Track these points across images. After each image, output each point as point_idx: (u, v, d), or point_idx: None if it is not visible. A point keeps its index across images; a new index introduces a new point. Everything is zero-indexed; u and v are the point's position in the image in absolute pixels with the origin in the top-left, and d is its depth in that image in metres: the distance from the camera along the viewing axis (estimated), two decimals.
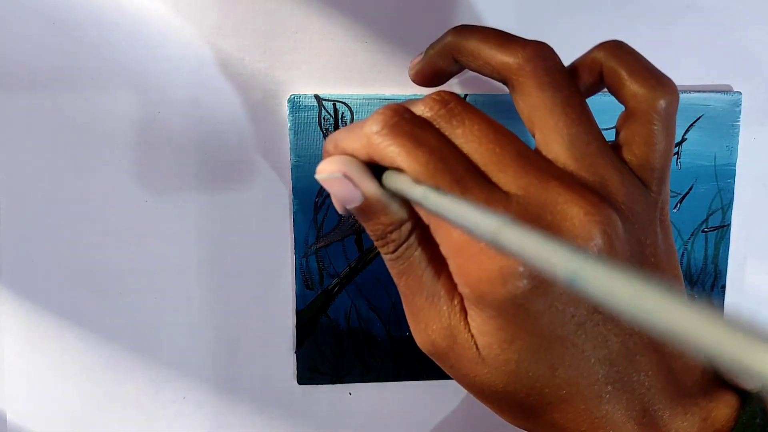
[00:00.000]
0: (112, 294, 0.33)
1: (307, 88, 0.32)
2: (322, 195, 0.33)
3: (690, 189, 0.34)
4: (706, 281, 0.35)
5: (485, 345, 0.21)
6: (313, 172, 0.33)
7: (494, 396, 0.23)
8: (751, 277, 0.36)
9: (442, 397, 0.35)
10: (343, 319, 0.34)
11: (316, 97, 0.32)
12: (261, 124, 0.32)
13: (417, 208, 0.23)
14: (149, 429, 0.34)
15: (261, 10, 0.31)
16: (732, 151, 0.34)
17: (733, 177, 0.34)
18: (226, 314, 0.34)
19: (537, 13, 0.32)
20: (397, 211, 0.23)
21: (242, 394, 0.34)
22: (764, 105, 0.34)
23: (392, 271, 0.24)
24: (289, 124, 0.32)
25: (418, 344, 0.24)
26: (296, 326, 0.34)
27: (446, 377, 0.35)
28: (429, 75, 0.28)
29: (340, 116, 0.32)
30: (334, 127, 0.32)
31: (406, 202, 0.23)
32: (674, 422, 0.22)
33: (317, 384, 0.34)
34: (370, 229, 0.23)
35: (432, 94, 0.23)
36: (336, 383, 0.34)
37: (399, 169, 0.22)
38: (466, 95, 0.32)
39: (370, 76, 0.32)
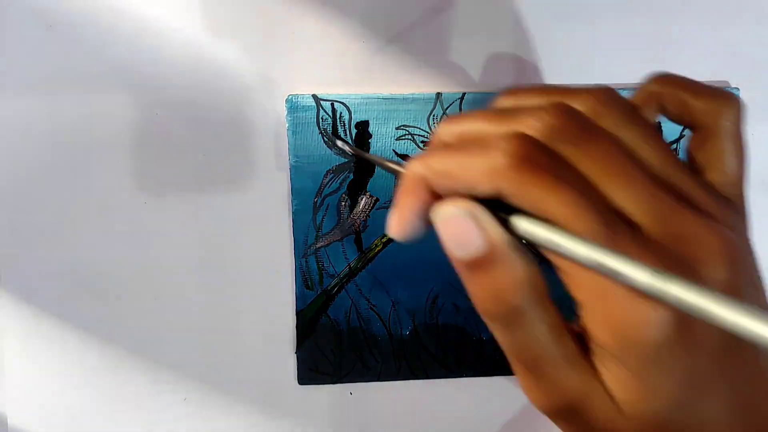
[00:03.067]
0: (112, 296, 0.33)
1: (305, 89, 0.32)
2: (321, 195, 0.33)
3: None
4: None
5: (626, 399, 0.20)
6: (312, 171, 0.34)
7: None
8: None
9: (442, 396, 0.35)
10: (343, 318, 0.34)
11: (314, 97, 0.32)
12: (259, 124, 0.32)
13: (547, 254, 0.20)
14: (150, 430, 0.34)
15: (259, 12, 0.31)
16: None
17: None
18: (227, 315, 0.34)
19: (535, 12, 0.32)
20: (518, 265, 0.20)
21: (242, 395, 0.34)
22: (762, 101, 0.34)
23: (506, 341, 0.21)
24: (287, 125, 0.32)
25: (541, 409, 0.21)
26: (296, 326, 0.34)
27: (447, 377, 0.35)
28: None
29: (338, 116, 0.32)
30: (332, 126, 0.32)
31: (526, 257, 0.20)
32: None
33: (317, 384, 0.34)
34: (479, 288, 0.20)
35: (553, 102, 0.21)
36: (336, 383, 0.34)
37: (538, 214, 0.20)
38: (464, 94, 0.32)
39: (367, 75, 0.32)
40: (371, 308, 0.34)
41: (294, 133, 0.32)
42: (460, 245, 0.20)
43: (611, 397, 0.20)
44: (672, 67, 0.24)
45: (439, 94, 0.32)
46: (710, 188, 0.22)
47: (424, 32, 0.32)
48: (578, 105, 0.21)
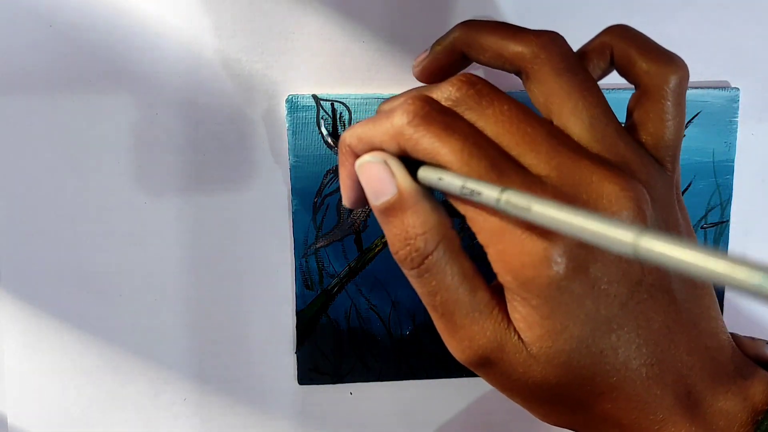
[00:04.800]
0: (112, 296, 0.33)
1: (305, 89, 0.32)
2: (321, 195, 0.33)
3: (688, 185, 0.34)
4: None
5: (535, 339, 0.21)
6: (312, 171, 0.34)
7: (546, 394, 0.22)
8: None
9: (442, 396, 0.35)
10: (343, 319, 0.34)
11: (314, 97, 0.32)
12: (259, 124, 0.32)
13: (453, 201, 0.22)
14: (150, 431, 0.34)
15: (258, 11, 0.31)
16: (730, 147, 0.34)
17: (732, 173, 0.34)
18: (226, 315, 0.34)
19: (534, 12, 0.32)
20: (427, 213, 0.22)
21: (242, 395, 0.34)
22: (762, 101, 0.34)
23: (421, 290, 0.22)
24: (287, 125, 0.32)
25: (461, 360, 0.23)
26: (296, 326, 0.34)
27: (447, 377, 0.35)
28: (436, 71, 0.27)
29: (338, 116, 0.32)
30: (332, 127, 0.32)
31: (436, 208, 0.23)
32: (716, 402, 0.22)
33: (317, 384, 0.34)
34: (393, 232, 0.22)
35: (458, 75, 0.23)
36: (336, 383, 0.34)
37: (434, 162, 0.22)
38: None
39: (367, 75, 0.32)
40: (371, 308, 0.34)
41: (294, 133, 0.32)
42: (376, 192, 0.22)
43: (523, 343, 0.21)
44: None
45: None
46: (632, 145, 0.23)
47: (424, 32, 0.32)
48: (523, 47, 0.23)
